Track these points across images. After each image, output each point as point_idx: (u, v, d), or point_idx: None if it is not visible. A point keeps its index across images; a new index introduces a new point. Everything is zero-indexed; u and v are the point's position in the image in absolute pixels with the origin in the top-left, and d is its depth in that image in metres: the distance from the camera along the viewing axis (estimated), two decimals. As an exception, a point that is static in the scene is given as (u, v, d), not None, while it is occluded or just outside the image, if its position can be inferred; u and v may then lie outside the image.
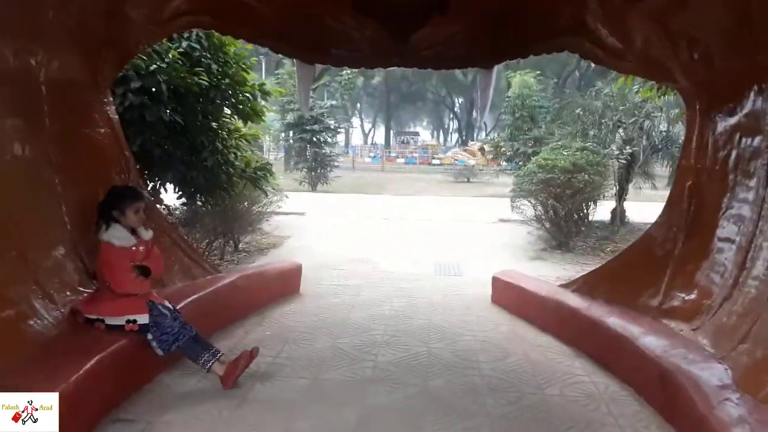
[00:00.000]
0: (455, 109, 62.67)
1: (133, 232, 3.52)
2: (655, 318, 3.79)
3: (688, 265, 3.78)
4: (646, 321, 3.77)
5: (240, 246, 7.91)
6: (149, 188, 5.37)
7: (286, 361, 3.98)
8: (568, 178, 7.66)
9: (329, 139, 17.35)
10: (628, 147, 9.22)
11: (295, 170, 16.85)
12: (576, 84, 29.62)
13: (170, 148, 5.28)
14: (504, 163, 21.43)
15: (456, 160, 32.12)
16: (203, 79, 5.13)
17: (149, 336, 3.40)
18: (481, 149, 34.22)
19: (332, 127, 16.78)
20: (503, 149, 17.29)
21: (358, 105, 61.21)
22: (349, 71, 16.29)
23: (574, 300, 4.43)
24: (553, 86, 24.48)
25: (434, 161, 33.42)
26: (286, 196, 9.44)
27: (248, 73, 5.61)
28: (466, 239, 9.29)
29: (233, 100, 5.47)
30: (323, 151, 16.55)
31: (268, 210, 9.23)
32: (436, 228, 10.39)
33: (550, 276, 6.75)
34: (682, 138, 4.97)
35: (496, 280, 5.51)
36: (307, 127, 15.73)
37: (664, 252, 3.96)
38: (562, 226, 8.20)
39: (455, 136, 67.79)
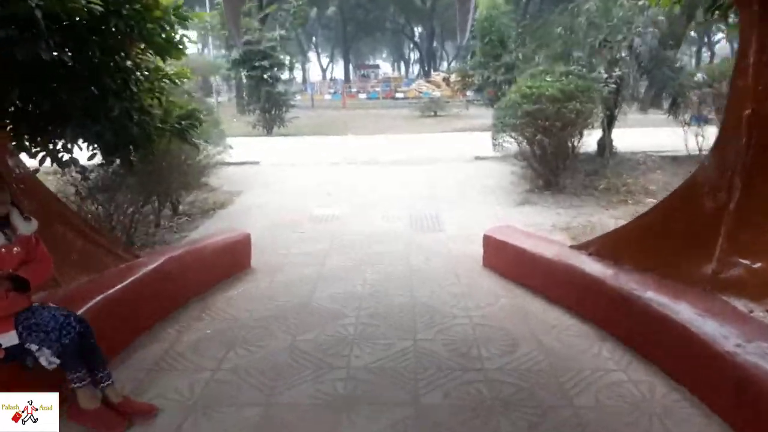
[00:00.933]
0: (415, 39, 60.26)
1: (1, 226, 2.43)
2: (709, 292, 2.92)
3: (752, 220, 2.88)
4: (697, 296, 2.90)
5: (180, 208, 6.75)
6: (48, 151, 4.16)
7: (230, 377, 3.01)
8: (558, 108, 6.65)
9: (282, 76, 15.77)
10: (616, 69, 8.21)
11: (248, 112, 15.32)
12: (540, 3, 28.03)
13: (64, 97, 4.03)
14: (471, 94, 20.32)
15: (420, 92, 30.65)
16: (96, 3, 3.82)
17: (33, 348, 2.39)
18: (446, 79, 32.73)
19: (285, 62, 15.14)
20: (472, 78, 16.07)
21: (314, 39, 58.06)
22: (299, -2, 14.53)
23: (592, 266, 3.53)
24: (522, 6, 22.97)
25: (398, 95, 31.84)
26: (231, 147, 8.23)
27: (160, -7, 4.27)
28: (442, 184, 8.30)
29: (141, 30, 4.17)
30: (276, 89, 15.02)
31: (213, 162, 8.04)
32: (408, 172, 9.35)
33: (544, 224, 5.86)
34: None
35: (488, 239, 4.57)
36: (256, 64, 14.10)
37: (715, 203, 3.05)
38: (550, 162, 7.27)
39: (416, 67, 65.58)
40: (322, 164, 10.33)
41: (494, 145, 7.65)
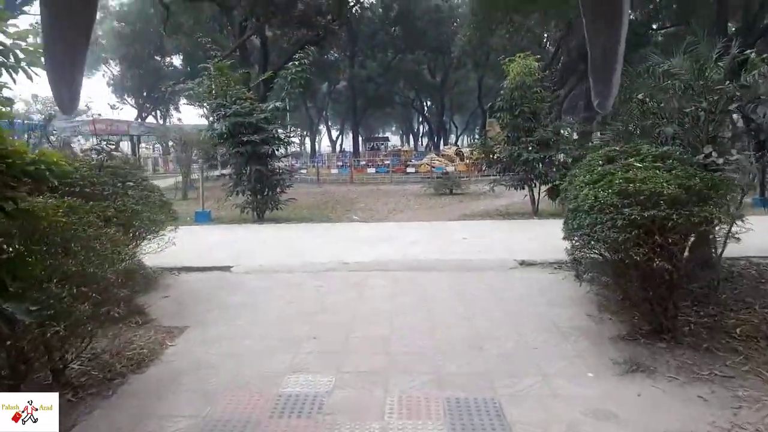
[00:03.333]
0: (425, 113, 59.57)
1: None
2: None
3: None
4: None
5: (75, 369, 4.12)
6: None
7: None
8: (686, 214, 4.11)
9: (280, 151, 13.54)
10: (734, 150, 5.73)
11: (238, 194, 12.94)
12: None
13: None
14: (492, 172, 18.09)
15: (433, 167, 28.61)
16: None
17: None
18: (459, 153, 30.78)
19: (280, 136, 12.90)
20: (498, 154, 13.77)
21: (324, 112, 57.38)
22: (296, 64, 12.51)
23: None
24: (557, 74, 21.11)
25: (409, 169, 29.83)
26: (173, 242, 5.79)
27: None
28: (484, 315, 5.60)
29: None
30: (270, 166, 12.73)
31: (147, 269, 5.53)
32: (430, 290, 6.66)
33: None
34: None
35: None
36: (245, 138, 11.86)
37: None
38: (661, 293, 4.64)
39: (425, 140, 64.56)
40: (313, 271, 7.72)
41: (575, 266, 5.06)
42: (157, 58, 44.30)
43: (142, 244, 6.09)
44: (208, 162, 18.73)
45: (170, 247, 6.50)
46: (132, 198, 5.82)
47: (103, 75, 47.46)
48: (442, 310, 5.78)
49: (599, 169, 5.31)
